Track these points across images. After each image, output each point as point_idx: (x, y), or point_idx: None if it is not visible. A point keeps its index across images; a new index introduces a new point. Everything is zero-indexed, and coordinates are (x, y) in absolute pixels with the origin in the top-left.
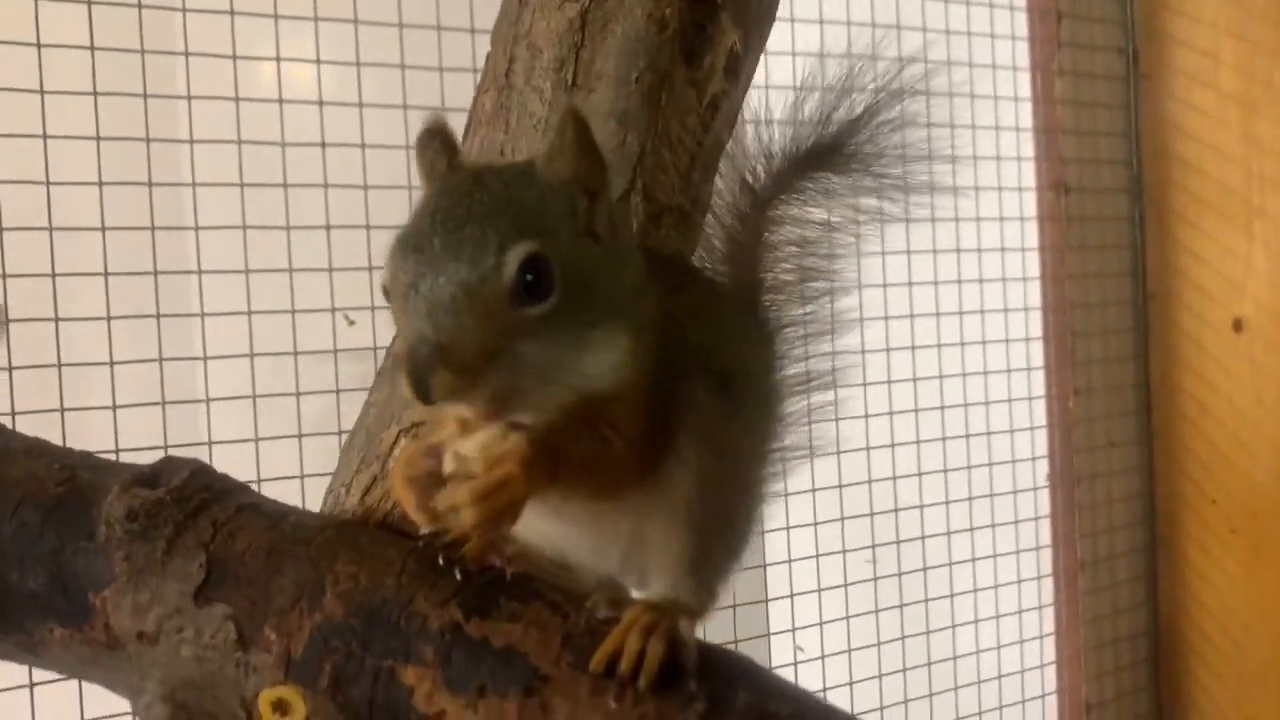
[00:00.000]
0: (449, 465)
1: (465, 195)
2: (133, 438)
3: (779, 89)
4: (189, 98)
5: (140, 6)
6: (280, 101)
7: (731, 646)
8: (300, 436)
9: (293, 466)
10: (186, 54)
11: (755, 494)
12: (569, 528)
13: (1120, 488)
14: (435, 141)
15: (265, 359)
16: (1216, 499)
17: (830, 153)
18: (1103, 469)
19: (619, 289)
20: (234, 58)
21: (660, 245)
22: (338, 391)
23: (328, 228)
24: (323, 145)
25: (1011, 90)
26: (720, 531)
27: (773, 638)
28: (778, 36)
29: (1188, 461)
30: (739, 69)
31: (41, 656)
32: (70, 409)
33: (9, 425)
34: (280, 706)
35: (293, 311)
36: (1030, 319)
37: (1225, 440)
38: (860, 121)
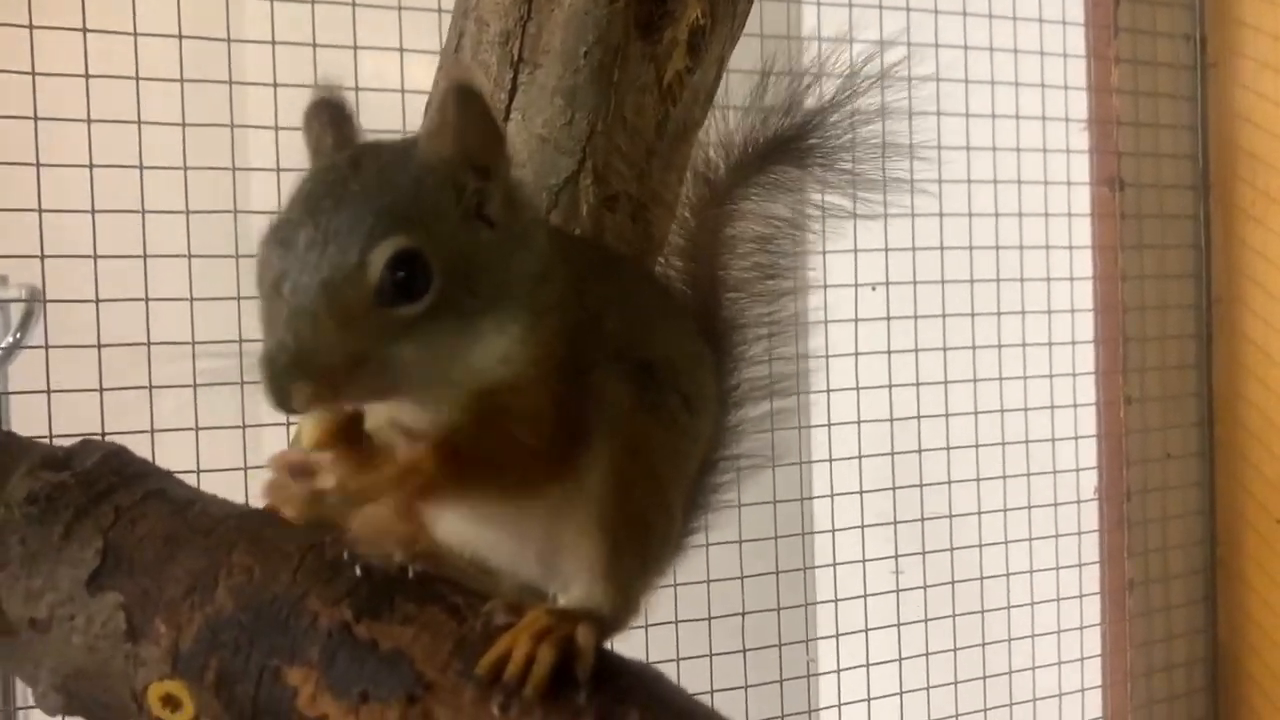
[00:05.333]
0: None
1: (338, 182)
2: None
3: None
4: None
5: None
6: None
7: (775, 650)
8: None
9: None
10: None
11: (678, 497)
12: (485, 530)
13: (1177, 504)
14: (324, 114)
15: None
16: None
17: (793, 144)
18: (1157, 483)
19: (513, 275)
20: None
21: (613, 234)
22: None
23: None
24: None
25: (1061, 79)
26: (635, 534)
27: (792, 647)
28: (805, 20)
29: (1251, 478)
30: (703, 45)
31: None
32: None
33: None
34: (170, 701)
35: None
36: (1077, 321)
37: None
38: (826, 111)
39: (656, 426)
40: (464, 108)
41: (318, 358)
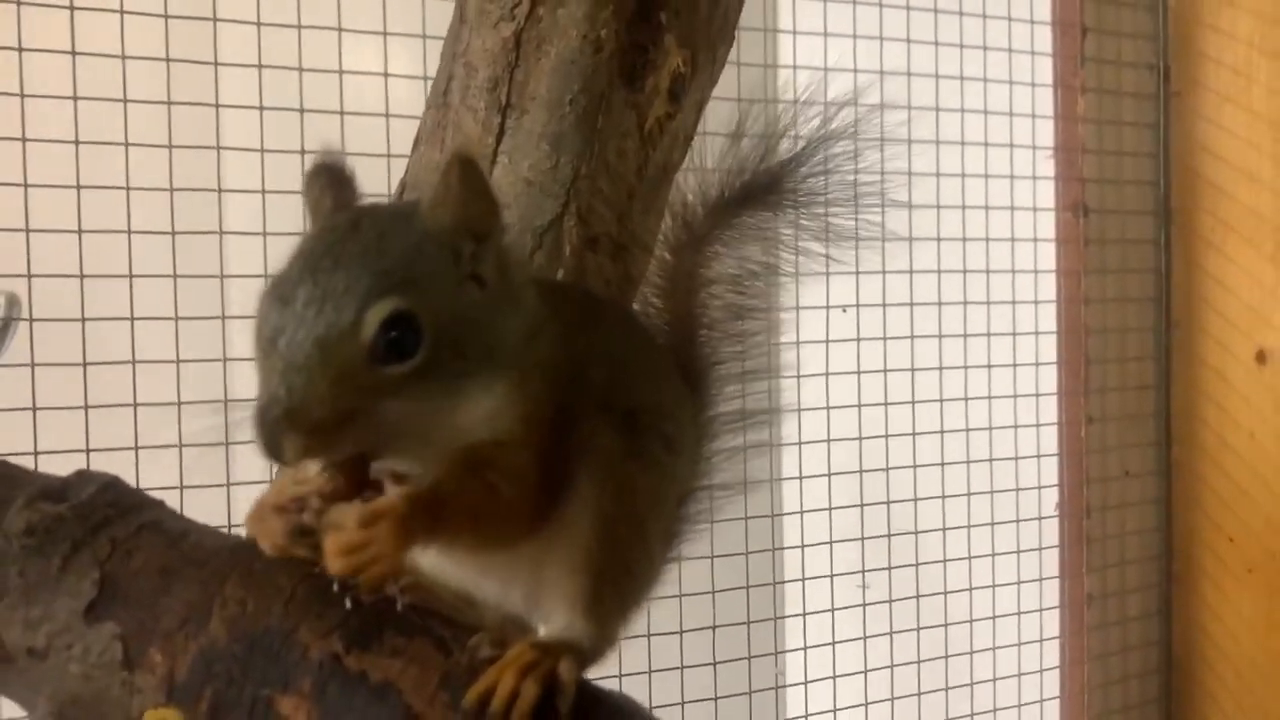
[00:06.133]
0: (312, 511)
1: (336, 243)
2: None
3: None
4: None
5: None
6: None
7: (744, 663)
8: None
9: None
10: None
11: (658, 536)
12: (469, 567)
13: (1134, 520)
14: (323, 177)
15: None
16: (1234, 536)
17: (768, 192)
18: (1115, 500)
19: (503, 334)
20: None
21: (594, 275)
22: None
23: None
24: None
25: (1029, 108)
26: (618, 574)
27: (762, 660)
28: (781, 50)
29: (1205, 496)
30: (683, 91)
31: None
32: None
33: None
34: None
35: None
36: (1041, 343)
37: (1245, 475)
38: (795, 162)
39: (641, 472)
40: (465, 179)
41: (309, 412)
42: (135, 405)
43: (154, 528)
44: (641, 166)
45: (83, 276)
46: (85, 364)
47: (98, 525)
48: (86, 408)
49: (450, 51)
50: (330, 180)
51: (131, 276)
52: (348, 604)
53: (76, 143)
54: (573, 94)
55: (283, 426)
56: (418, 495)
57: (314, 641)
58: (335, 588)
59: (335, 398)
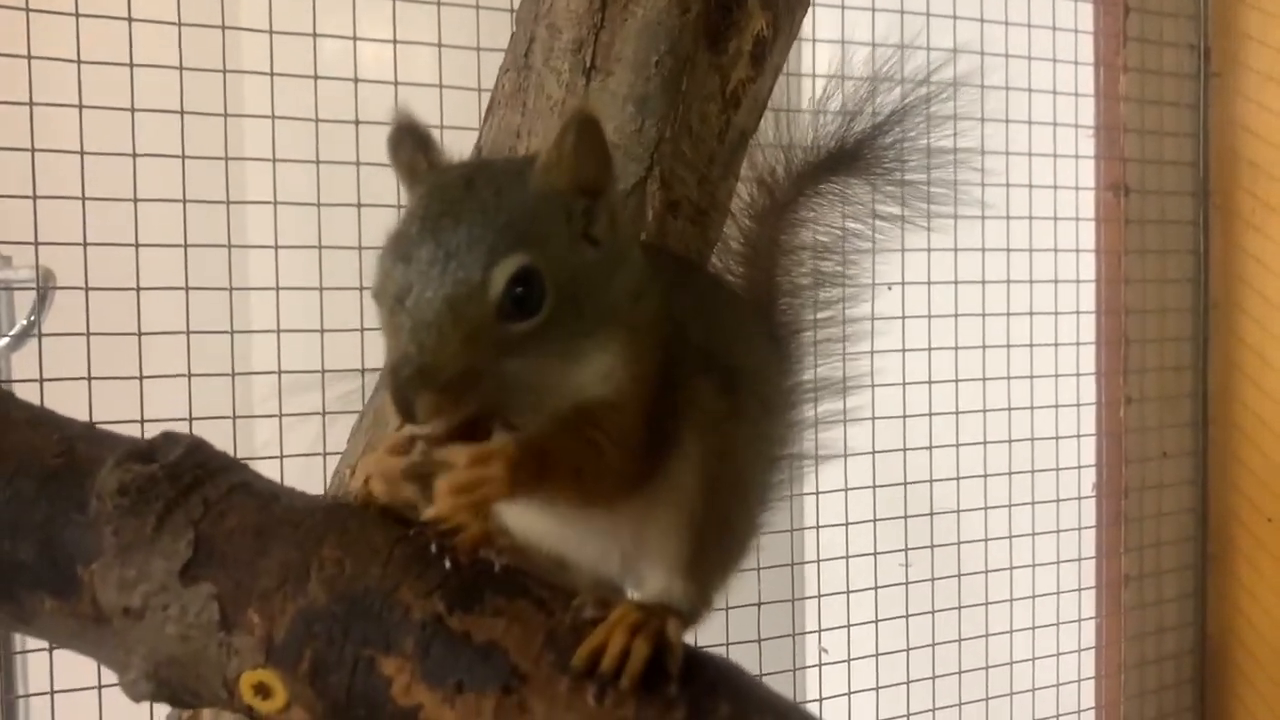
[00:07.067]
0: (419, 454)
1: (455, 201)
2: (164, 409)
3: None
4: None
5: None
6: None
7: (756, 646)
8: (324, 414)
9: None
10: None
11: (757, 498)
12: (566, 526)
13: (1171, 501)
14: (408, 140)
15: (294, 335)
16: (1272, 517)
17: (851, 157)
18: (1153, 480)
19: (614, 293)
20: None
21: (675, 239)
22: (363, 370)
23: (359, 205)
24: (356, 123)
25: (1072, 86)
26: (719, 534)
27: (804, 637)
28: (828, 22)
29: (1243, 477)
30: (766, 55)
31: (33, 626)
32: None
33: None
34: (261, 689)
35: (320, 289)
36: (1082, 323)
37: None
38: (883, 127)
39: (741, 431)
40: (583, 136)
41: (442, 369)
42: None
43: (244, 489)
44: (723, 131)
45: (138, 246)
46: (140, 334)
47: (189, 486)
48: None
49: (531, 13)
50: (417, 142)
51: (186, 245)
52: (447, 564)
53: (132, 110)
54: (659, 55)
55: (415, 384)
56: (528, 441)
57: (416, 602)
58: (433, 549)
59: (466, 355)
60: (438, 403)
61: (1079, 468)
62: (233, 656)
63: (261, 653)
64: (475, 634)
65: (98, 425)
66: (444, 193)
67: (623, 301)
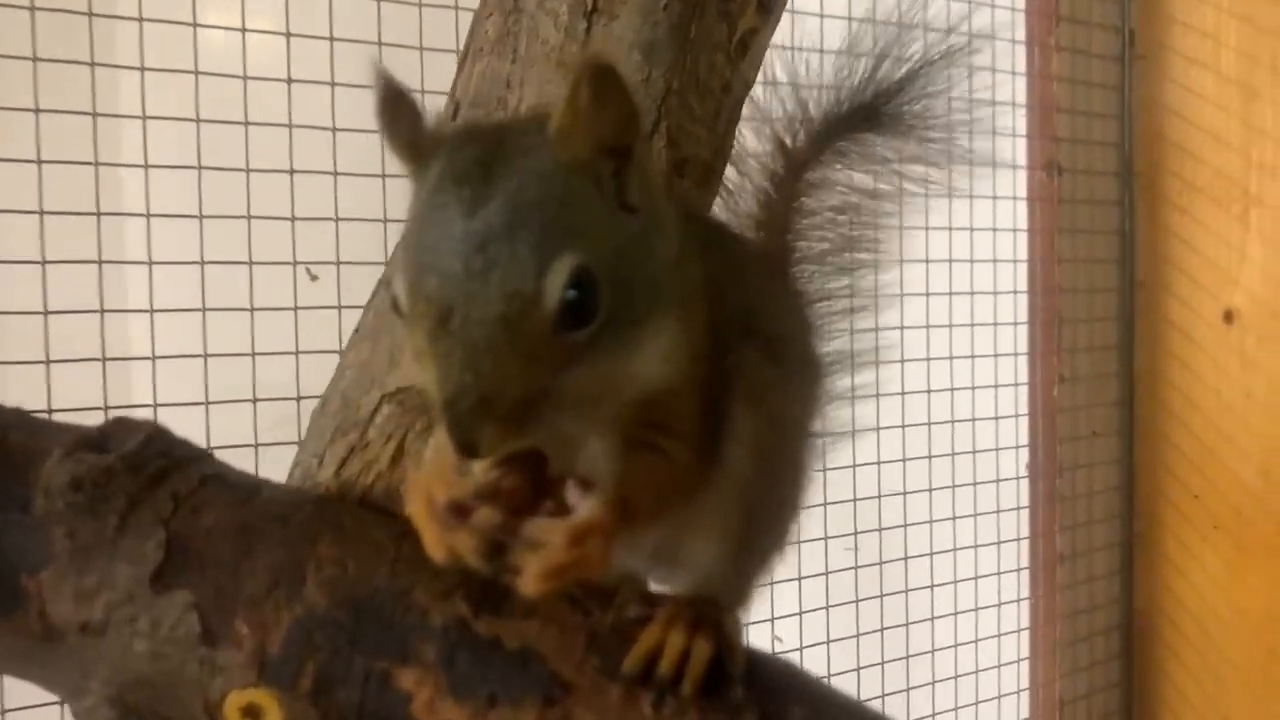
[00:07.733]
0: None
1: (481, 194)
2: (66, 398)
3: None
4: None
5: None
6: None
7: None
8: (255, 401)
9: (246, 433)
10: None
11: (804, 472)
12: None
13: (1101, 479)
14: (402, 109)
15: (217, 314)
16: (1199, 494)
17: (872, 114)
18: (1084, 460)
19: (657, 263)
20: None
21: (683, 197)
22: (298, 353)
23: (291, 171)
24: (288, 81)
25: (1009, 64)
26: (769, 511)
27: (750, 627)
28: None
29: (1171, 455)
30: (774, 3)
31: None
32: None
33: None
34: (251, 711)
35: (250, 264)
36: (1019, 303)
37: (1211, 434)
38: (905, 82)
39: (787, 398)
40: (600, 89)
41: (503, 398)
42: (104, 360)
43: (217, 481)
44: (728, 83)
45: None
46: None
47: (154, 479)
48: (48, 362)
49: None
50: (411, 116)
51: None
52: None
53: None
54: None
55: (478, 417)
56: (614, 501)
57: (434, 605)
58: None
59: (528, 377)
60: (503, 434)
61: (1017, 448)
62: (216, 675)
63: (253, 669)
64: (506, 639)
65: None
66: (464, 184)
67: (667, 270)
